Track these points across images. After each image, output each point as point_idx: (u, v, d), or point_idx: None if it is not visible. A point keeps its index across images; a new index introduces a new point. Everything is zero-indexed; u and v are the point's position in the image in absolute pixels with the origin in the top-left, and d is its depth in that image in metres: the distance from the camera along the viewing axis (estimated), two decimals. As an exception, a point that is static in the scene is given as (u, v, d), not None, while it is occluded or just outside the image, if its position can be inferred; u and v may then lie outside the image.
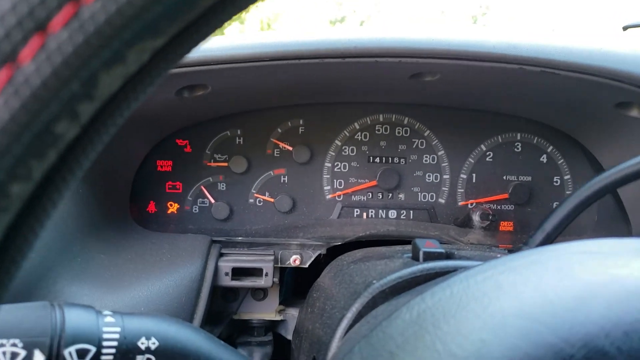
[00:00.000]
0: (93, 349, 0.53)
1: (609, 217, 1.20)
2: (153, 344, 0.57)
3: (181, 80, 0.93)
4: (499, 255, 0.79)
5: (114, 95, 0.30)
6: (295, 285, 1.27)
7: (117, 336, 0.55)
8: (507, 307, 0.41)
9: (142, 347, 0.57)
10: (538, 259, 0.46)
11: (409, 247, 0.83)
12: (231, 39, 0.94)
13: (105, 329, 0.55)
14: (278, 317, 1.14)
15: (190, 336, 0.61)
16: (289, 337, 1.13)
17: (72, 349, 0.52)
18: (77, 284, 0.83)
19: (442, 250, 0.73)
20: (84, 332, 0.53)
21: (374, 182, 1.24)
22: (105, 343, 0.54)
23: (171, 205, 1.22)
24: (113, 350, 0.54)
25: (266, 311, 1.14)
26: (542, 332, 0.36)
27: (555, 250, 0.48)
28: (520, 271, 0.45)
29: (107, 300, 0.85)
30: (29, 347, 0.49)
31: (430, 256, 0.72)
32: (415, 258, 0.75)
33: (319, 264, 1.04)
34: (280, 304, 1.15)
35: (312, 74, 1.02)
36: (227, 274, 1.02)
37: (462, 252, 0.79)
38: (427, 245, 0.75)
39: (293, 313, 1.14)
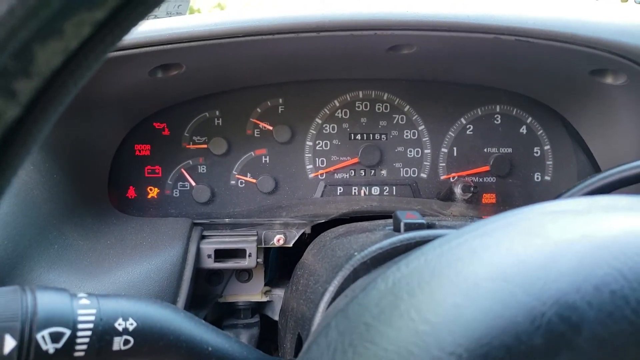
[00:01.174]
0: (68, 332, 0.52)
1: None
2: (131, 324, 0.56)
3: (154, 60, 0.91)
4: (479, 224, 0.79)
5: (57, 72, 0.28)
6: (282, 266, 1.26)
7: (92, 318, 0.54)
8: (480, 271, 0.40)
9: (120, 328, 0.55)
10: (511, 222, 0.46)
11: (391, 220, 0.83)
12: (204, 17, 0.92)
13: (80, 311, 0.54)
14: (264, 299, 1.13)
15: (169, 316, 0.60)
16: (276, 318, 1.13)
17: (45, 332, 0.51)
18: (54, 272, 0.81)
19: (423, 221, 0.73)
20: (58, 315, 0.52)
21: (355, 160, 1.23)
22: (80, 325, 0.53)
23: (151, 189, 1.20)
24: (89, 333, 0.53)
25: (252, 293, 1.13)
26: (514, 292, 0.36)
27: (528, 211, 0.48)
28: (493, 234, 0.45)
29: (86, 287, 0.83)
30: (-1, 332, 0.48)
31: (411, 227, 0.72)
32: (396, 230, 0.74)
33: (305, 244, 1.03)
34: (265, 285, 1.14)
35: (288, 50, 1.00)
36: (209, 256, 1.01)
37: (443, 222, 0.78)
38: (408, 217, 0.74)
39: (279, 294, 1.14)
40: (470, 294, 0.38)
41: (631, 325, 0.31)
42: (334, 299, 0.65)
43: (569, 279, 0.35)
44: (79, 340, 0.53)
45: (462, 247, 0.45)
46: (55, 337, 0.51)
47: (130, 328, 0.56)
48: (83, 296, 0.56)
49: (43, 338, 0.51)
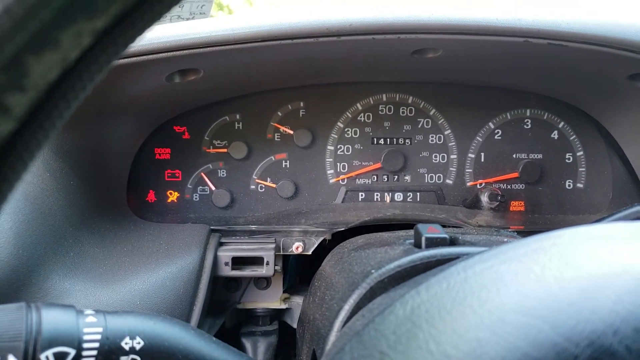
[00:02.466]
0: (72, 352, 0.51)
1: (624, 194, 1.15)
2: (138, 343, 0.55)
3: (170, 65, 0.90)
4: (505, 240, 0.75)
5: (55, 84, 0.26)
6: (302, 271, 1.24)
7: (98, 337, 0.53)
8: (507, 302, 0.37)
9: (126, 347, 0.54)
10: (541, 247, 0.43)
11: (412, 232, 0.80)
12: (221, 21, 0.90)
13: (86, 329, 0.53)
14: (283, 306, 1.11)
15: (178, 334, 0.58)
16: (295, 325, 1.10)
17: (49, 352, 0.49)
18: (69, 280, 0.81)
19: (446, 236, 0.69)
20: (63, 334, 0.51)
21: (378, 165, 1.20)
22: (85, 345, 0.52)
23: (171, 194, 1.19)
24: (94, 352, 0.52)
25: (270, 300, 1.11)
26: (543, 330, 0.33)
27: (560, 236, 0.44)
28: (522, 260, 0.42)
29: (101, 295, 0.82)
30: (2, 353, 0.47)
31: (432, 242, 0.68)
32: (417, 245, 0.71)
33: (326, 250, 1.00)
34: (284, 292, 1.12)
35: (308, 54, 0.97)
36: (227, 263, 0.99)
37: (466, 236, 0.74)
38: (430, 231, 0.71)
39: (298, 301, 1.11)
40: (495, 328, 0.35)
41: None
42: (349, 318, 0.62)
43: (605, 319, 0.31)
44: (84, 360, 0.51)
45: (487, 273, 0.42)
46: (60, 357, 0.50)
47: (137, 347, 0.55)
48: (90, 313, 0.55)
49: (47, 358, 0.49)
